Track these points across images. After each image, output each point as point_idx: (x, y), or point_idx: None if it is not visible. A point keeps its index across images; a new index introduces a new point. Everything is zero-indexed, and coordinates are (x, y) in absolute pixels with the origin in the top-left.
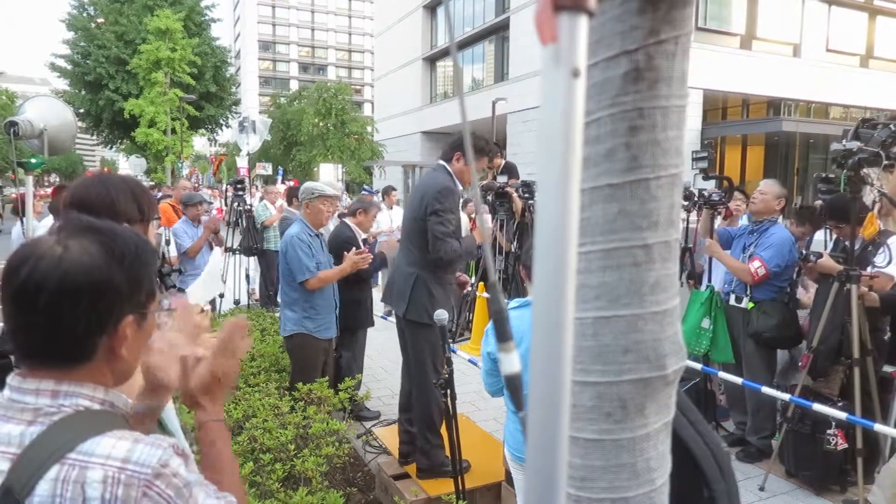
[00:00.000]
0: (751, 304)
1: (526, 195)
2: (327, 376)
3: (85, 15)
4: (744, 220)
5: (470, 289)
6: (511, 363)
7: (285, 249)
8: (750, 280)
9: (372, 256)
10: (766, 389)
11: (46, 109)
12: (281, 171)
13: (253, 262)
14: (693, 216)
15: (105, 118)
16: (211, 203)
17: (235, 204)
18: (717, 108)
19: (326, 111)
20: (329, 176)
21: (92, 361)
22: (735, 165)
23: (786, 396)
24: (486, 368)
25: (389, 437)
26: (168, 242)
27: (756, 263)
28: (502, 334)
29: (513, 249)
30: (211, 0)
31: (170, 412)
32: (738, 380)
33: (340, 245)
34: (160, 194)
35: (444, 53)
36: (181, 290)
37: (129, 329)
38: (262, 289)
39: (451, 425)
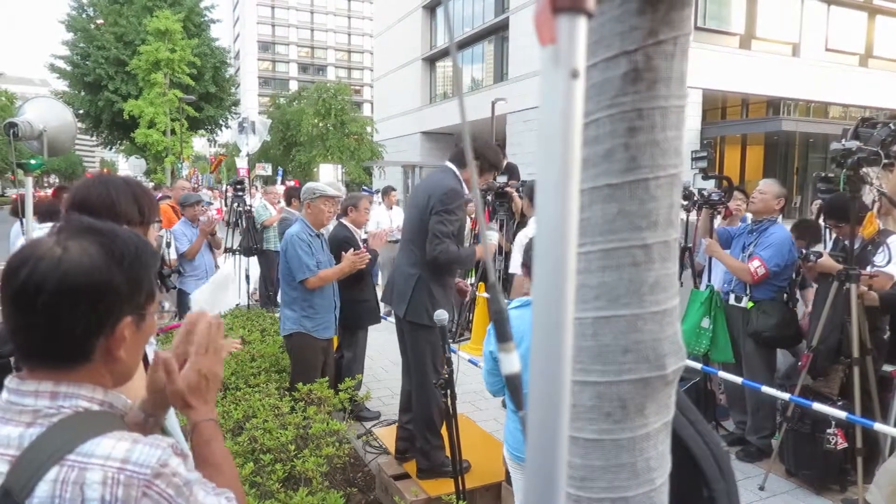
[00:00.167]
0: (750, 304)
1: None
2: (327, 376)
3: (84, 16)
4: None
5: (470, 287)
6: (511, 363)
7: (285, 248)
8: (749, 279)
9: (370, 256)
10: (765, 389)
11: (46, 110)
12: (280, 172)
13: (253, 263)
14: (693, 216)
15: (104, 119)
16: (211, 203)
17: (235, 204)
18: (716, 107)
19: (326, 111)
20: (329, 176)
21: (90, 362)
22: (734, 165)
23: (785, 396)
24: (488, 368)
25: (389, 437)
26: (169, 245)
27: (756, 263)
28: (502, 334)
29: (512, 249)
30: (210, 1)
31: (169, 413)
32: (738, 379)
33: (338, 245)
34: (160, 195)
35: (444, 53)
36: (181, 291)
37: (127, 330)
38: (261, 289)
39: (451, 425)
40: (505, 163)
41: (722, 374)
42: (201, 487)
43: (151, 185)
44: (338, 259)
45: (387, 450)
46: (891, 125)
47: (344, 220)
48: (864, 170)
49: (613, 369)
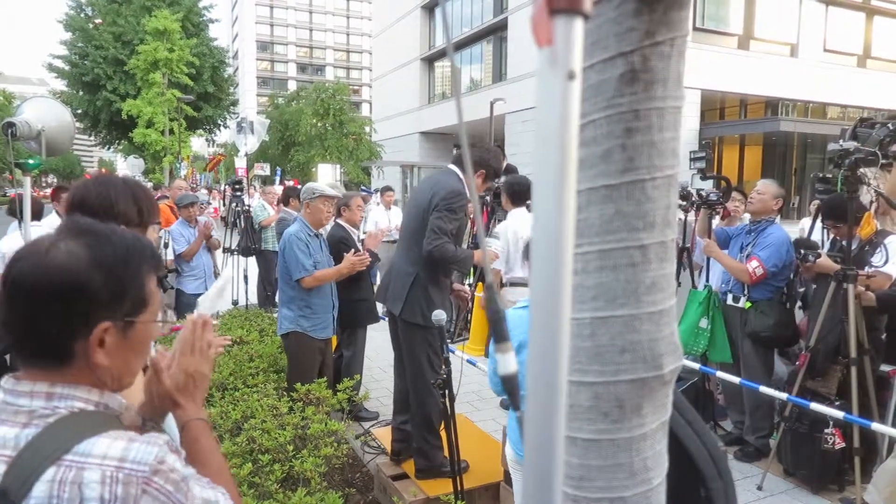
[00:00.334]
0: (748, 304)
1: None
2: (325, 376)
3: (83, 15)
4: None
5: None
6: (508, 363)
7: (284, 247)
8: (747, 280)
9: (370, 259)
10: (763, 389)
11: (44, 110)
12: (279, 172)
13: (251, 263)
14: (691, 216)
15: (103, 119)
16: (209, 203)
17: (233, 204)
18: (714, 108)
19: (324, 111)
20: (327, 176)
21: (73, 365)
22: (733, 165)
23: (783, 396)
24: (493, 367)
25: (388, 437)
26: (166, 245)
27: (754, 263)
28: (499, 335)
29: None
30: (209, 0)
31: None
32: (736, 379)
33: (336, 246)
34: (158, 195)
35: (443, 54)
36: (179, 291)
37: (108, 336)
38: (259, 289)
39: (449, 426)
40: (504, 164)
41: (720, 374)
42: (197, 482)
43: (150, 185)
44: (336, 259)
45: (385, 450)
46: (889, 125)
47: (340, 221)
48: (862, 170)
49: (611, 369)
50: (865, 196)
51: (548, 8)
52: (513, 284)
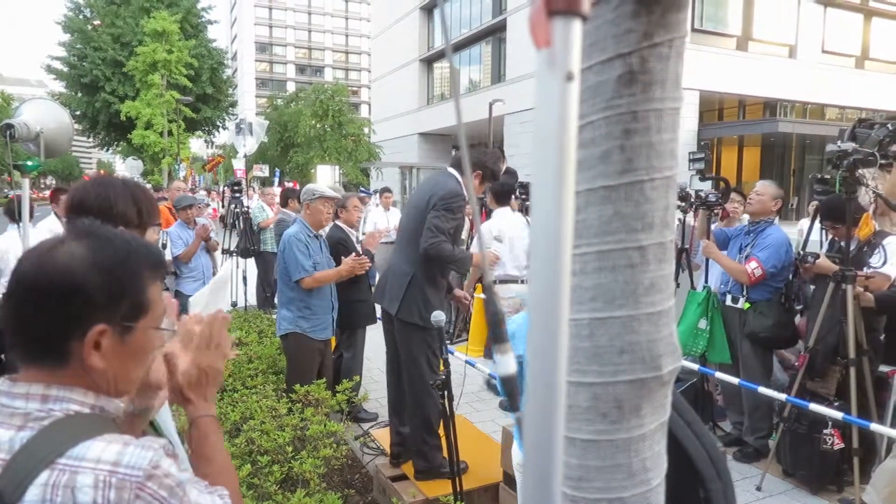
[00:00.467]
0: (747, 305)
1: (523, 196)
2: (324, 377)
3: (81, 17)
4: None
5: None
6: (507, 364)
7: (283, 248)
8: (746, 281)
9: (370, 263)
10: (762, 389)
11: (43, 112)
12: (278, 173)
13: (250, 264)
14: (690, 217)
15: (101, 120)
16: (209, 204)
17: (232, 206)
18: (713, 109)
19: (323, 113)
20: (326, 177)
21: (69, 367)
22: (731, 166)
23: (782, 396)
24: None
25: (386, 438)
26: (164, 246)
27: (752, 264)
28: (498, 336)
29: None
30: (208, 2)
31: (165, 414)
32: (735, 380)
33: (334, 247)
34: (157, 196)
35: (441, 55)
36: (178, 293)
37: (105, 339)
38: (258, 291)
39: (448, 426)
40: (504, 167)
41: (719, 374)
42: (194, 486)
43: (149, 186)
44: (337, 260)
45: (384, 451)
46: (888, 125)
47: (337, 222)
48: (860, 171)
49: (609, 370)
50: (864, 197)
51: (546, 9)
52: (502, 282)
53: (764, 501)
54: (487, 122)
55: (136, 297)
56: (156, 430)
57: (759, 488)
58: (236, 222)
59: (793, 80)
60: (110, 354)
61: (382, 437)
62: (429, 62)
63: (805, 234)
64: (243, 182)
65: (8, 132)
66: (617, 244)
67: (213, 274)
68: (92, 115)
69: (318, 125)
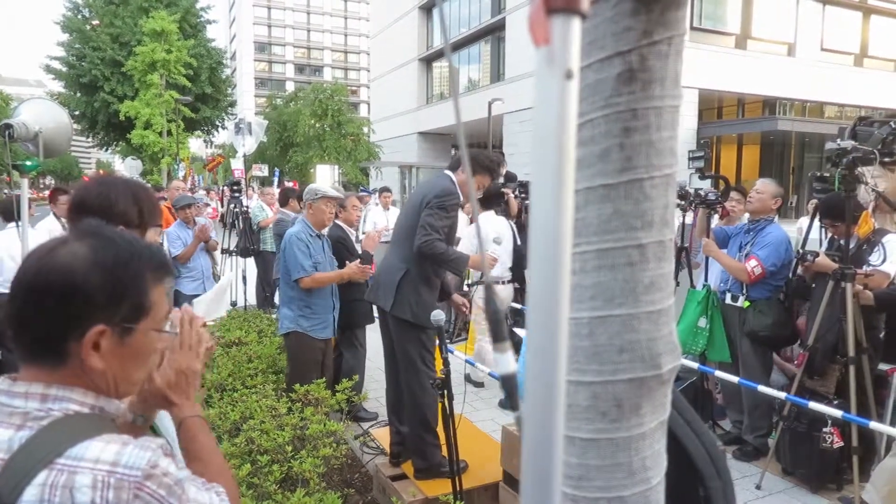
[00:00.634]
0: (747, 303)
1: (522, 195)
2: (324, 377)
3: (80, 17)
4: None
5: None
6: (506, 363)
7: (284, 247)
8: (746, 279)
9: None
10: (762, 388)
11: (42, 112)
12: (277, 173)
13: (250, 264)
14: (689, 216)
15: (100, 120)
16: (208, 204)
17: (232, 205)
18: (712, 107)
19: (323, 112)
20: (326, 177)
21: (68, 366)
22: (731, 165)
23: (782, 395)
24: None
25: (386, 438)
26: (161, 246)
27: (752, 262)
28: (498, 335)
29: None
30: (206, 1)
31: (162, 414)
32: (735, 378)
33: (334, 245)
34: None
35: (440, 54)
36: (177, 292)
37: (104, 340)
38: (258, 290)
39: (448, 426)
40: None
41: (719, 373)
42: (192, 484)
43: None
44: (336, 258)
45: (384, 450)
46: (891, 123)
47: (337, 221)
48: (859, 169)
49: (609, 369)
50: (864, 195)
51: (545, 7)
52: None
53: (763, 500)
54: (487, 121)
55: (138, 299)
56: (154, 430)
57: (758, 487)
58: (236, 222)
59: (792, 79)
60: (109, 356)
61: (382, 436)
62: (428, 61)
63: (804, 232)
64: (242, 182)
65: (7, 132)
66: (616, 242)
67: (213, 273)
68: (91, 115)
69: (317, 125)
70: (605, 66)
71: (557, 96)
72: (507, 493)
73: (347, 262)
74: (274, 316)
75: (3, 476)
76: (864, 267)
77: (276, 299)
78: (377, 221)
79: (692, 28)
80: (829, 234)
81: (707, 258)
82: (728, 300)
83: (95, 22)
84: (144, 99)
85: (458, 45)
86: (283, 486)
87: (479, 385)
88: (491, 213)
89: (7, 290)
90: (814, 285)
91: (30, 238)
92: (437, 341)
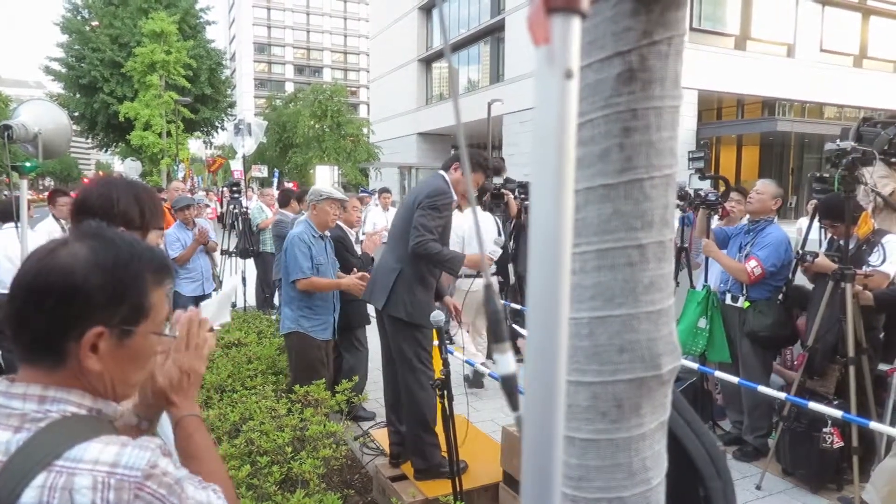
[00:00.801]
0: (746, 304)
1: (522, 196)
2: (324, 377)
3: (79, 18)
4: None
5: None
6: (506, 364)
7: (286, 247)
8: (746, 279)
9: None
10: (762, 388)
11: (41, 113)
12: (277, 174)
13: (250, 265)
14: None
15: (100, 121)
16: (207, 205)
17: (231, 206)
18: (712, 108)
19: (322, 113)
20: (325, 178)
21: (66, 368)
22: (730, 165)
23: (782, 395)
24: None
25: (386, 438)
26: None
27: (752, 263)
28: (497, 335)
29: (509, 250)
30: (206, 2)
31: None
32: (735, 379)
33: (334, 245)
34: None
35: (440, 55)
36: (176, 293)
37: (102, 342)
38: (258, 291)
39: (448, 426)
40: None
41: (718, 373)
42: (190, 483)
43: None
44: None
45: (384, 451)
46: None
47: (337, 221)
48: (861, 170)
49: (609, 369)
50: (863, 196)
51: (545, 7)
52: (467, 276)
53: (763, 500)
54: (486, 121)
55: (137, 301)
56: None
57: (758, 487)
58: (235, 223)
59: (791, 79)
60: (108, 358)
61: (382, 437)
62: (427, 62)
63: (804, 232)
64: (242, 183)
65: (6, 133)
66: (616, 243)
67: (212, 274)
68: (90, 116)
69: (316, 125)
70: (604, 66)
71: (557, 96)
72: (507, 493)
73: (348, 263)
74: (273, 317)
75: (1, 478)
76: (864, 267)
77: (276, 300)
78: (377, 222)
79: (692, 29)
80: (829, 235)
81: (707, 259)
82: (728, 300)
83: (95, 23)
84: (144, 100)
85: (458, 46)
86: (282, 487)
87: (479, 386)
88: (477, 209)
89: (5, 291)
90: (813, 286)
91: (28, 240)
92: (437, 342)
